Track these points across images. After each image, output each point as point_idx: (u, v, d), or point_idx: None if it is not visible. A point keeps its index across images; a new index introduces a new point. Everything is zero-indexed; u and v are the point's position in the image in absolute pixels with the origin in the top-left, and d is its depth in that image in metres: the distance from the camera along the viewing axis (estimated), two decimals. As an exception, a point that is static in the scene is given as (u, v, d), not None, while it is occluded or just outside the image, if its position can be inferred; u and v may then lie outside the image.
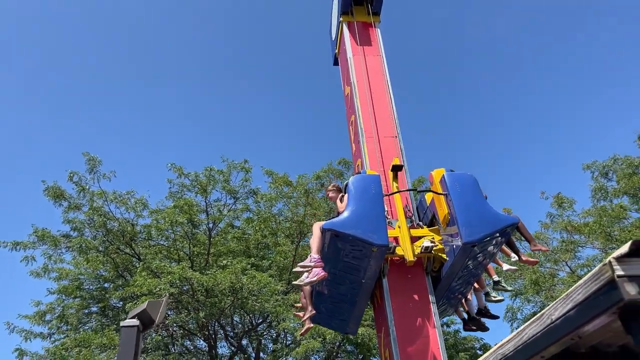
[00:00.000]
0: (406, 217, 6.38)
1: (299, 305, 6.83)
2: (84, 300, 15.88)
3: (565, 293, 1.79)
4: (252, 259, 15.51)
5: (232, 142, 46.87)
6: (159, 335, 14.55)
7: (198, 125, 49.42)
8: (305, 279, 5.40)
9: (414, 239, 6.11)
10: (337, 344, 14.56)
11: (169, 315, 14.24)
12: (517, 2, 45.07)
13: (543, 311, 1.93)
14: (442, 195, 5.96)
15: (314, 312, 6.34)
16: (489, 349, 3.26)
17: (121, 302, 15.26)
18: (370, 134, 7.82)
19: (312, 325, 6.64)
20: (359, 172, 6.75)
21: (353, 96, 8.32)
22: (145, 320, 3.13)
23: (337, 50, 9.50)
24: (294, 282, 5.91)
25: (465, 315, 7.38)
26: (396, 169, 6.63)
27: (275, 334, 16.71)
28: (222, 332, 16.41)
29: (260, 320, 16.44)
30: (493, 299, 7.20)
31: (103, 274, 16.38)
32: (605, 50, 42.94)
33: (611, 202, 16.49)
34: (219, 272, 13.66)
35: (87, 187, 15.25)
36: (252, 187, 17.08)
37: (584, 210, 16.90)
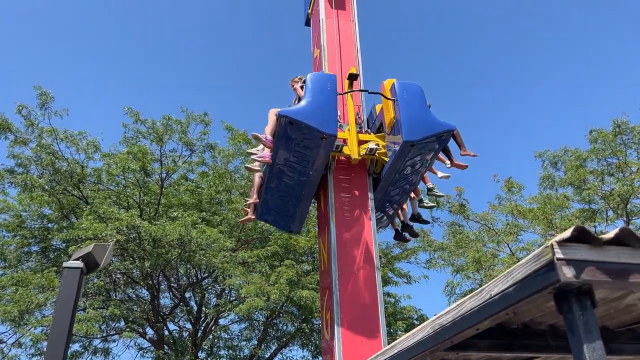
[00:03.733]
0: (356, 124, 6.91)
1: (248, 202, 7.39)
2: (24, 239, 15.42)
3: (507, 271, 1.86)
4: (204, 213, 15.39)
5: (193, 94, 45.79)
6: (101, 280, 14.36)
7: (159, 74, 47.92)
8: (252, 159, 6.10)
9: (360, 142, 6.65)
10: (281, 304, 14.77)
11: (113, 262, 14.04)
12: (492, -15, 45.25)
13: (483, 286, 2.01)
14: (390, 101, 6.44)
15: (258, 200, 6.99)
16: (426, 320, 3.38)
17: (64, 245, 14.90)
18: (335, 100, 7.83)
19: (254, 217, 7.33)
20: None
21: (322, 60, 8.24)
22: (90, 264, 3.06)
23: (310, 11, 9.33)
24: (246, 166, 6.46)
25: (400, 227, 7.98)
26: (352, 77, 7.02)
27: (219, 290, 16.78)
28: (166, 283, 16.34)
29: (206, 275, 16.44)
30: (426, 204, 7.78)
31: (47, 213, 15.90)
32: (574, 42, 43.97)
33: (556, 191, 17.18)
34: (169, 224, 13.50)
35: (37, 122, 14.60)
36: (210, 142, 16.82)
37: (530, 196, 17.56)
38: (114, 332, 16.01)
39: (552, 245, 1.61)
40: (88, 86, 43.23)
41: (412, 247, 17.41)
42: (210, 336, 16.70)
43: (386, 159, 6.53)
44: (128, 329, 14.64)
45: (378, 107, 7.11)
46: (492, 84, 48.15)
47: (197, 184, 17.19)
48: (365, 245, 6.23)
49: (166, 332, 16.26)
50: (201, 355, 16.14)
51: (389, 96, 6.49)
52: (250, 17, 48.89)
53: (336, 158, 6.58)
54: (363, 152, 6.51)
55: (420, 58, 49.84)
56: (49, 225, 15.95)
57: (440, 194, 7.74)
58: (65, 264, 3.01)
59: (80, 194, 15.29)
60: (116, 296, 15.28)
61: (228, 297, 16.23)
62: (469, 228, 18.03)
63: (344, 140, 6.58)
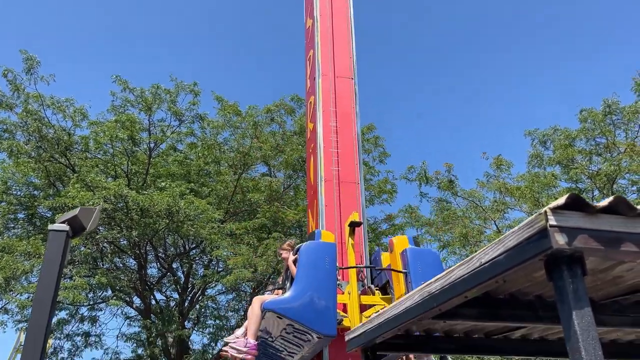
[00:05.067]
0: (358, 280, 5.96)
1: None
2: (10, 205, 15.28)
3: (498, 239, 1.85)
4: (192, 184, 15.32)
5: (184, 63, 45.11)
6: (88, 249, 14.33)
7: (149, 43, 47.06)
8: (231, 351, 5.11)
9: (363, 308, 5.70)
10: (268, 276, 14.86)
11: (100, 231, 13.99)
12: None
13: (474, 255, 2.00)
14: (402, 273, 5.55)
15: None
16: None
17: (50, 212, 14.80)
18: (326, 72, 7.73)
19: None
20: (313, 233, 6.20)
21: (314, 30, 8.12)
22: (76, 227, 3.02)
23: (303, -21, 9.15)
24: (222, 348, 5.46)
25: None
26: (354, 225, 6.25)
27: (207, 260, 16.84)
28: (153, 253, 16.34)
29: (194, 246, 16.46)
30: None
31: (33, 180, 15.74)
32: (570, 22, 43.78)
33: (545, 169, 17.29)
34: (157, 194, 13.43)
35: (23, 87, 14.31)
36: (200, 112, 16.63)
37: (518, 174, 17.66)
38: (101, 300, 16.06)
39: (545, 212, 1.60)
40: (75, 53, 42.40)
41: (399, 223, 17.53)
42: (197, 306, 16.83)
43: None
44: (115, 298, 14.68)
45: (384, 257, 6.17)
46: (485, 62, 48.00)
47: (186, 155, 17.08)
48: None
49: (153, 302, 16.34)
50: (188, 325, 16.27)
51: (399, 262, 5.61)
52: (242, -14, 48.01)
53: None
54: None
55: (414, 28, 49.42)
56: (35, 192, 15.82)
57: None
58: (50, 227, 2.97)
59: (67, 161, 15.12)
60: (103, 265, 15.27)
61: (215, 268, 16.30)
62: (457, 205, 18.15)
63: (344, 306, 5.65)
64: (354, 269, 5.96)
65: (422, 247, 6.18)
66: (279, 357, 6.04)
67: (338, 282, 5.61)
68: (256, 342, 5.15)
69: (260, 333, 5.39)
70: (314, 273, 5.21)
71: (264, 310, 5.08)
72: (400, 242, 5.80)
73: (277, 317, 5.06)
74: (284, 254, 6.06)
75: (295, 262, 5.51)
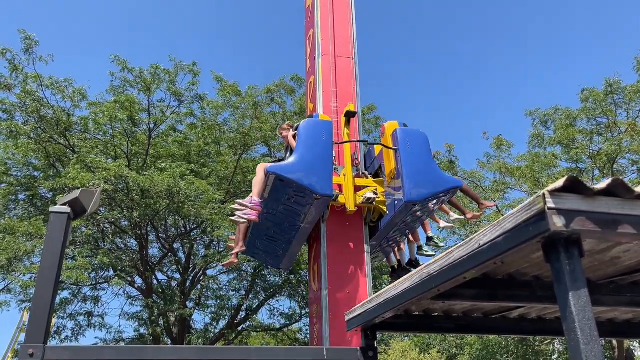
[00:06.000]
0: (353, 165, 6.34)
1: (233, 238, 6.81)
2: (10, 187, 15.30)
3: (497, 221, 1.86)
4: (192, 165, 15.31)
5: (184, 42, 44.74)
6: (90, 229, 14.39)
7: (147, 21, 46.63)
8: (237, 215, 5.53)
9: (357, 188, 6.12)
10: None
11: (101, 212, 14.04)
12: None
13: (473, 236, 2.02)
14: (392, 150, 5.94)
15: (244, 248, 6.30)
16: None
17: (51, 193, 14.82)
18: (327, 52, 7.66)
19: (237, 260, 6.60)
20: (311, 115, 6.57)
21: (314, 9, 8.03)
22: (77, 209, 3.03)
23: (303, -43, 9.01)
24: (231, 219, 5.91)
25: (395, 264, 7.54)
26: (349, 115, 6.57)
27: (208, 241, 16.92)
28: (154, 233, 16.42)
29: (195, 226, 16.52)
30: (425, 253, 7.31)
31: (33, 162, 15.73)
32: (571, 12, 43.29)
33: (545, 149, 17.29)
34: (157, 174, 13.44)
35: (21, 67, 14.22)
36: (199, 92, 16.53)
37: (519, 154, 17.67)
38: (103, 280, 16.19)
39: (544, 194, 1.61)
40: (74, 34, 42.04)
41: (399, 203, 17.55)
42: (199, 286, 16.96)
43: (384, 208, 6.08)
44: (117, 277, 14.79)
45: (377, 148, 6.55)
46: (486, 41, 47.59)
47: (186, 136, 17.03)
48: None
49: (155, 282, 16.48)
50: (189, 304, 16.43)
51: (390, 144, 6.00)
52: (241, -36, 47.33)
53: (330, 205, 6.01)
54: (360, 200, 5.99)
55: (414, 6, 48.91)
56: (35, 173, 15.83)
57: (440, 244, 7.38)
58: (51, 209, 2.97)
59: (66, 142, 15.10)
60: (105, 245, 15.36)
61: (217, 249, 16.38)
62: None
63: (340, 187, 6.06)
64: (349, 157, 6.35)
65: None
66: (280, 236, 6.48)
67: (334, 166, 6.09)
68: (260, 200, 5.59)
69: (264, 206, 5.78)
70: (312, 142, 5.70)
71: (268, 173, 5.48)
72: (391, 125, 6.19)
73: (279, 180, 5.46)
74: (284, 133, 6.47)
75: (295, 137, 5.99)
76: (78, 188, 11.89)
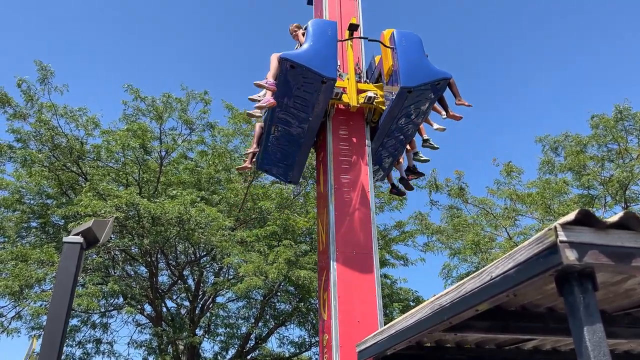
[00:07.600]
0: (355, 74, 7.08)
1: (248, 151, 7.56)
2: (23, 214, 15.43)
3: (509, 253, 1.86)
4: (203, 192, 15.37)
5: (194, 72, 45.44)
6: (100, 257, 14.42)
7: (160, 52, 47.52)
8: (256, 106, 5.96)
9: (359, 92, 6.87)
10: (279, 283, 14.85)
11: (112, 239, 14.08)
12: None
13: (484, 268, 2.01)
14: (389, 49, 6.64)
15: (258, 150, 7.24)
16: (422, 302, 3.40)
17: (63, 221, 14.92)
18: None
19: (251, 166, 7.48)
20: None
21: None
22: (90, 239, 3.06)
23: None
24: (247, 112, 6.36)
25: (396, 181, 8.30)
26: (352, 27, 7.22)
27: (218, 268, 16.87)
28: (164, 260, 16.41)
29: (205, 253, 16.50)
30: (421, 158, 7.91)
31: (46, 189, 15.88)
32: (577, 28, 43.57)
33: (556, 176, 17.17)
34: (168, 202, 13.50)
35: (36, 97, 14.49)
36: (210, 120, 16.72)
37: (529, 181, 17.56)
38: (113, 308, 16.13)
39: (555, 227, 1.61)
40: (88, 63, 42.89)
41: (409, 230, 17.45)
42: (208, 314, 16.83)
43: (384, 107, 6.74)
44: (127, 305, 14.74)
45: (377, 58, 7.29)
46: (496, 68, 47.87)
47: (197, 163, 17.16)
48: (362, 189, 6.44)
49: (164, 309, 16.39)
50: (199, 332, 16.29)
51: (388, 44, 6.66)
52: (251, -6, 48.35)
53: (335, 105, 6.79)
54: (362, 100, 6.74)
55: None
56: (48, 201, 15.96)
57: (436, 146, 7.83)
58: (65, 239, 3.01)
59: (79, 170, 15.27)
60: (115, 273, 15.35)
61: (226, 276, 16.32)
62: (467, 212, 18.06)
63: (343, 89, 6.75)
64: (352, 65, 7.11)
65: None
66: (292, 134, 7.01)
67: (339, 72, 6.71)
68: (275, 82, 6.09)
69: (277, 106, 6.38)
70: (319, 35, 6.35)
71: (280, 59, 6.08)
72: (389, 31, 6.79)
73: (291, 67, 6.07)
74: (297, 32, 7.34)
75: (304, 35, 6.70)
76: (90, 215, 12.05)
